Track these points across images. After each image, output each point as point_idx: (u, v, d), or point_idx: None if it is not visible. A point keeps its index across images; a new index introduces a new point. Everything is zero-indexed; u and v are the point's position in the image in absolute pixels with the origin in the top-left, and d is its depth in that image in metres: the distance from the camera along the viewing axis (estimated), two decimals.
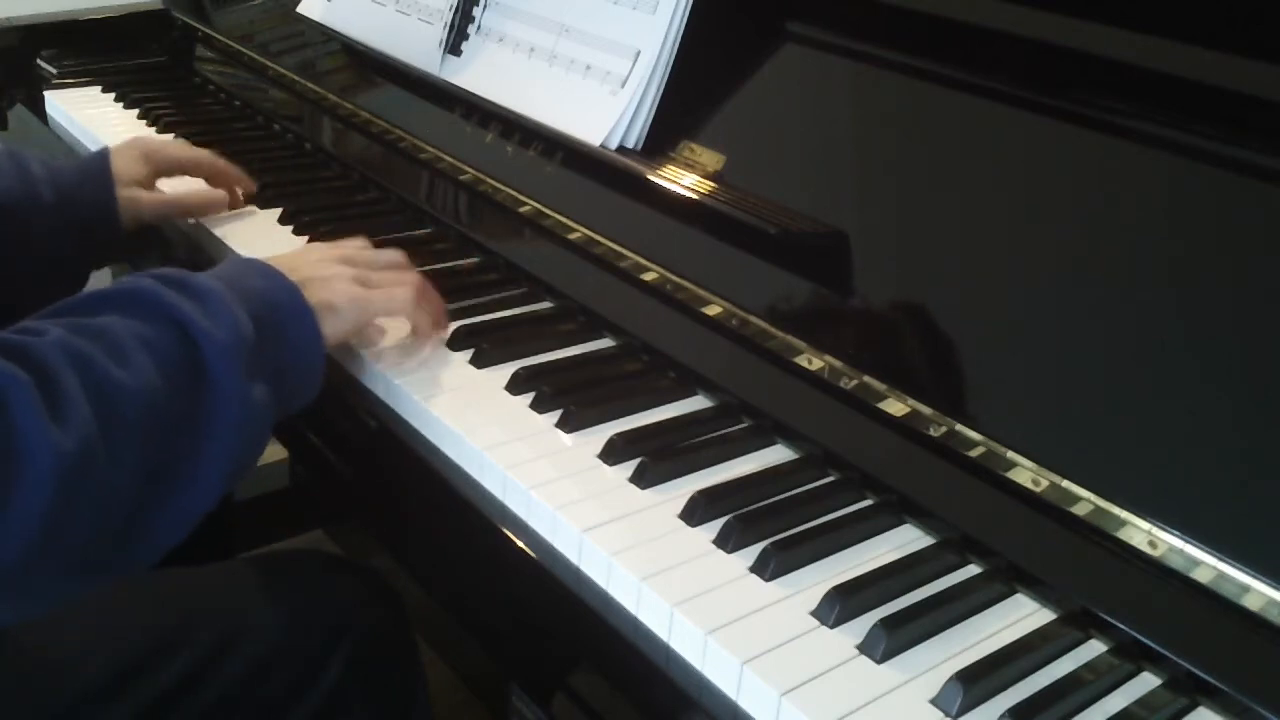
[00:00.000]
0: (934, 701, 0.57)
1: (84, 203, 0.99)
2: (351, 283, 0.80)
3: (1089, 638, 0.63)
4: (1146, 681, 0.61)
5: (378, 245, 0.89)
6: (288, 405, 0.74)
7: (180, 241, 1.09)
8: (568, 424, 0.77)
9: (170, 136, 1.13)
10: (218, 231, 1.05)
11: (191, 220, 1.08)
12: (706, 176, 0.89)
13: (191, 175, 1.11)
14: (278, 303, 0.73)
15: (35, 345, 0.61)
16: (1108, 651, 0.62)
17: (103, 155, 1.03)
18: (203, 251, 1.07)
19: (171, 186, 1.09)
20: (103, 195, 1.00)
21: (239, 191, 1.11)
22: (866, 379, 0.75)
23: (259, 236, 1.05)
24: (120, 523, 0.63)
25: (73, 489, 0.58)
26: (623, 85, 0.93)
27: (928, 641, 0.61)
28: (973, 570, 0.67)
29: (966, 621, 0.63)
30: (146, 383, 0.63)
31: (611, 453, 0.74)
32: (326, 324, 0.76)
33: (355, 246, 0.87)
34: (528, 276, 0.98)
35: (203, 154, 1.10)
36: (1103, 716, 0.58)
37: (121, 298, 0.68)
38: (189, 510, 0.67)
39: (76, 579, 0.64)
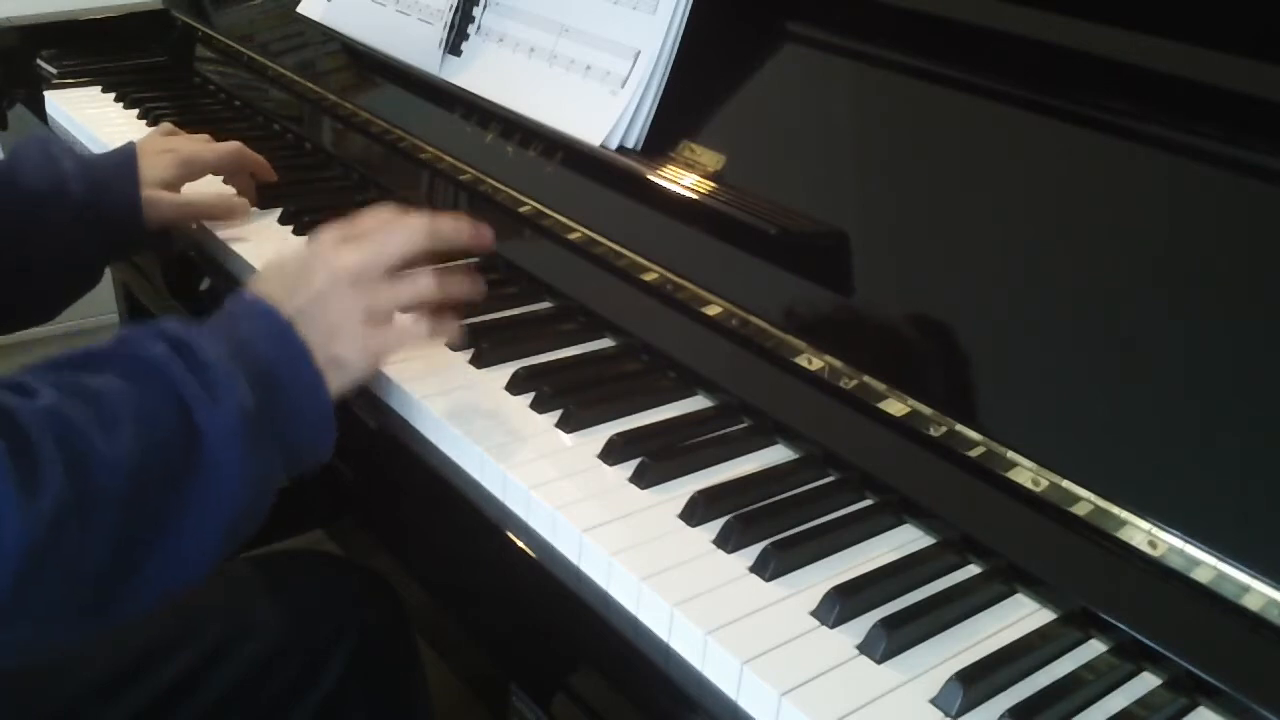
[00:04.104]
0: (934, 701, 0.57)
1: (110, 202, 0.98)
2: (362, 325, 0.75)
3: (1089, 638, 0.63)
4: (1146, 681, 0.61)
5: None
6: (296, 467, 0.72)
7: (180, 238, 1.09)
8: (568, 424, 0.77)
9: (205, 137, 1.12)
10: (220, 233, 1.05)
11: (194, 226, 1.08)
12: (706, 176, 0.89)
13: (223, 174, 1.11)
14: (283, 369, 0.70)
15: (20, 409, 0.60)
16: (1108, 651, 0.62)
17: (130, 153, 1.01)
18: (203, 249, 1.07)
19: (193, 187, 1.09)
20: (128, 194, 0.99)
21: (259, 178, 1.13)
22: (866, 379, 0.75)
23: (259, 236, 1.05)
24: (86, 591, 0.62)
25: (40, 559, 0.57)
26: (623, 85, 0.93)
27: (928, 641, 0.61)
28: (973, 570, 0.67)
29: (966, 621, 0.63)
30: (134, 457, 0.62)
31: (611, 453, 0.74)
32: (333, 380, 0.73)
33: (368, 235, 0.78)
34: (528, 276, 0.98)
35: (232, 148, 1.10)
36: (1103, 716, 0.58)
37: (125, 361, 0.66)
38: (171, 584, 0.65)
39: (41, 639, 0.63)
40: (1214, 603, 0.60)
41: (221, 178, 1.12)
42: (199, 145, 1.08)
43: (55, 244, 0.95)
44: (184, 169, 1.04)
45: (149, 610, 0.66)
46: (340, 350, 0.73)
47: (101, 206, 0.97)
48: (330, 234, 0.79)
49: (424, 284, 0.78)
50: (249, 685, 0.88)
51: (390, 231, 0.78)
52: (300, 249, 0.78)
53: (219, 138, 1.12)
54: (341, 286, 0.75)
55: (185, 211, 1.04)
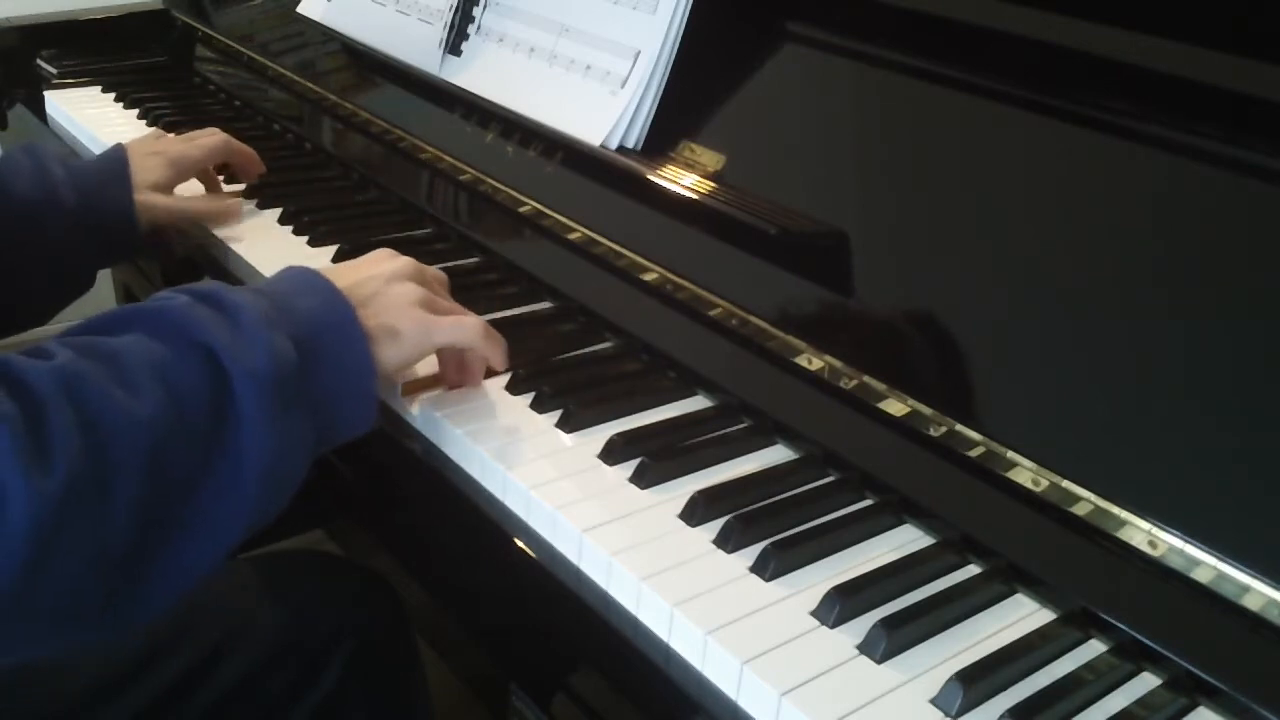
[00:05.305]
0: (934, 701, 0.57)
1: (103, 208, 0.98)
2: (417, 305, 0.73)
3: (1089, 638, 0.63)
4: (1146, 681, 0.61)
5: (383, 245, 0.88)
6: (331, 438, 0.67)
7: (180, 242, 1.09)
8: (568, 424, 0.77)
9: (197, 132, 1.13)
10: (220, 233, 1.05)
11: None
12: (706, 176, 0.89)
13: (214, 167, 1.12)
14: (326, 324, 0.67)
15: (33, 373, 0.56)
16: (1108, 651, 0.62)
17: (121, 158, 1.01)
18: (204, 251, 1.07)
19: (187, 190, 1.09)
20: (121, 200, 0.99)
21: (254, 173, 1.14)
22: (866, 379, 0.75)
23: (259, 237, 1.05)
24: (110, 574, 0.57)
25: (51, 537, 0.53)
26: (623, 85, 0.93)
27: (928, 641, 0.61)
28: (973, 570, 0.67)
29: (966, 621, 0.63)
30: (155, 413, 0.57)
31: (611, 453, 0.74)
32: (386, 350, 0.70)
33: (430, 269, 0.80)
34: (528, 276, 0.98)
35: (218, 143, 1.10)
36: (1103, 716, 0.58)
37: (148, 317, 0.63)
38: (196, 563, 0.60)
39: (53, 634, 0.57)
40: (1214, 603, 0.60)
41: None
42: (186, 145, 1.08)
43: (50, 251, 0.94)
44: (174, 169, 1.04)
45: (177, 595, 0.61)
46: (395, 320, 0.71)
47: (95, 212, 0.97)
48: (390, 250, 0.79)
49: (474, 318, 0.77)
50: (249, 685, 0.88)
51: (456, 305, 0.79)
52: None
53: None
54: (400, 277, 0.75)
55: (178, 216, 1.04)
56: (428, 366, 0.81)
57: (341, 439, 0.69)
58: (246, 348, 0.62)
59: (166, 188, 1.04)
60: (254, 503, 0.62)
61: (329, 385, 0.66)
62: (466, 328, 0.76)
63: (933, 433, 0.71)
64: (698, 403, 0.82)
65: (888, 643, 0.59)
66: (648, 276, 0.89)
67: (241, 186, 1.14)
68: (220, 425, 0.60)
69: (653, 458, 0.73)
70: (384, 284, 0.73)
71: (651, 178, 0.89)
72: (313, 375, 0.65)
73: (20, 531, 0.52)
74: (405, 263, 0.77)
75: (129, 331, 0.62)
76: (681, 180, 0.88)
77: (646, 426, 0.77)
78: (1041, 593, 0.65)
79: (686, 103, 0.92)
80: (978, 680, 0.58)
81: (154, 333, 0.62)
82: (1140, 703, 0.59)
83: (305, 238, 1.05)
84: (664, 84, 0.92)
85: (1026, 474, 0.67)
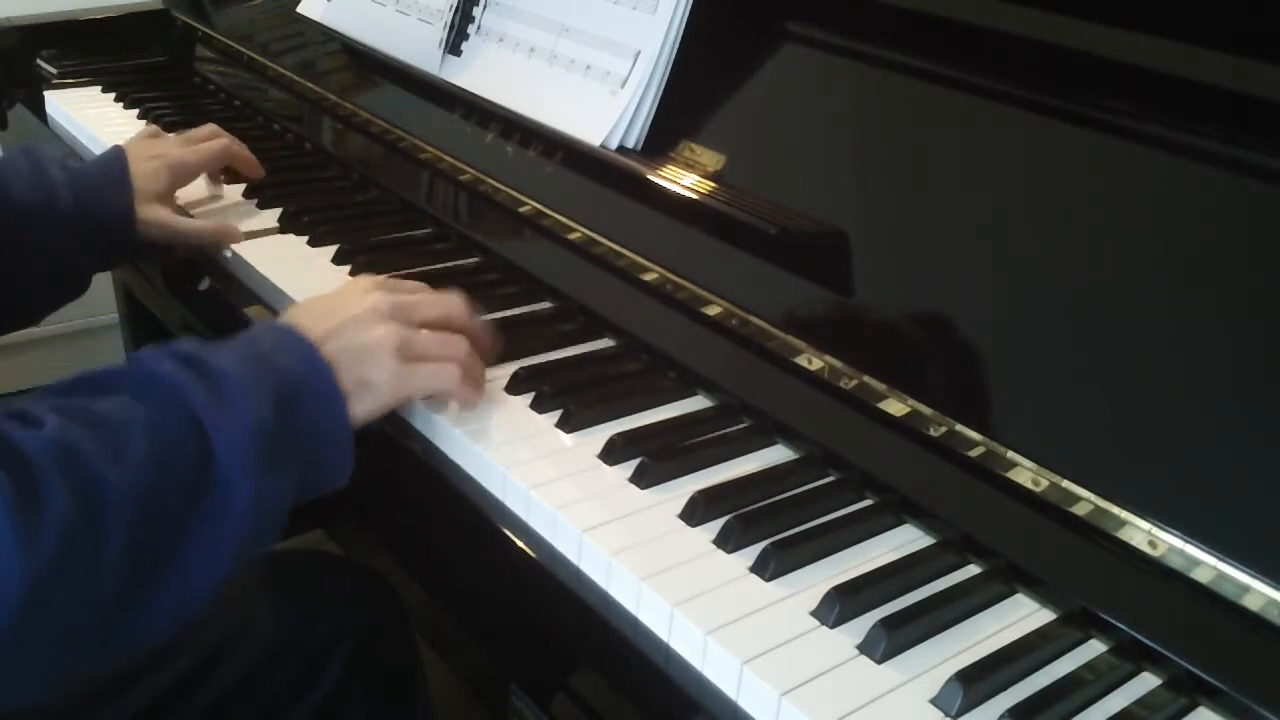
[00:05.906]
0: (934, 701, 0.57)
1: (101, 211, 0.97)
2: (395, 354, 0.73)
3: (1089, 638, 0.63)
4: (1146, 681, 0.61)
5: (383, 245, 0.88)
6: (311, 490, 0.70)
7: (180, 243, 1.09)
8: (568, 424, 0.77)
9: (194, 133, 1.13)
10: None
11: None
12: (706, 176, 0.89)
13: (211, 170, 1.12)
14: (303, 383, 0.69)
15: (24, 442, 0.58)
16: (1108, 651, 0.62)
17: (120, 161, 1.00)
18: (204, 252, 1.07)
19: (189, 190, 1.09)
20: (120, 204, 0.98)
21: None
22: (866, 379, 0.75)
23: (259, 237, 1.05)
24: (102, 626, 0.60)
25: (44, 597, 0.56)
26: (623, 85, 0.93)
27: (928, 641, 0.61)
28: (973, 570, 0.67)
29: (966, 621, 0.63)
30: (142, 479, 0.60)
31: (611, 453, 0.74)
32: (360, 404, 0.71)
33: (410, 289, 0.81)
34: (528, 276, 0.98)
35: (218, 149, 1.10)
36: (1103, 716, 0.58)
37: (135, 380, 0.65)
38: (179, 608, 0.63)
39: (45, 677, 0.60)
40: (1214, 603, 0.60)
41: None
42: (185, 150, 1.07)
43: (47, 253, 0.94)
44: (173, 175, 1.04)
45: (154, 641, 0.63)
46: (369, 374, 0.72)
47: (93, 215, 0.96)
48: (367, 279, 0.81)
49: (456, 345, 0.77)
50: (249, 685, 0.88)
51: (432, 294, 0.80)
52: (332, 291, 0.79)
53: None
54: (375, 318, 0.75)
55: (177, 240, 1.03)
56: None
57: (320, 491, 0.71)
58: (229, 413, 0.64)
59: (167, 194, 1.03)
60: (236, 553, 0.64)
61: (308, 442, 0.68)
62: (444, 376, 0.76)
63: (933, 433, 0.71)
64: (698, 403, 0.82)
65: (888, 643, 0.59)
66: (648, 276, 0.89)
67: (242, 186, 1.14)
68: (204, 489, 0.63)
69: (653, 458, 0.73)
70: (361, 329, 0.73)
71: (651, 178, 0.89)
72: (292, 434, 0.67)
73: (15, 587, 0.55)
74: (380, 299, 0.76)
75: (116, 394, 0.64)
76: (681, 180, 0.88)
77: (646, 426, 0.77)
78: (1041, 593, 0.65)
79: (686, 103, 0.92)
80: (978, 680, 0.58)
81: (140, 396, 0.64)
82: (1140, 703, 0.59)
83: (305, 238, 1.05)
84: (664, 84, 0.92)
85: (1026, 474, 0.67)
